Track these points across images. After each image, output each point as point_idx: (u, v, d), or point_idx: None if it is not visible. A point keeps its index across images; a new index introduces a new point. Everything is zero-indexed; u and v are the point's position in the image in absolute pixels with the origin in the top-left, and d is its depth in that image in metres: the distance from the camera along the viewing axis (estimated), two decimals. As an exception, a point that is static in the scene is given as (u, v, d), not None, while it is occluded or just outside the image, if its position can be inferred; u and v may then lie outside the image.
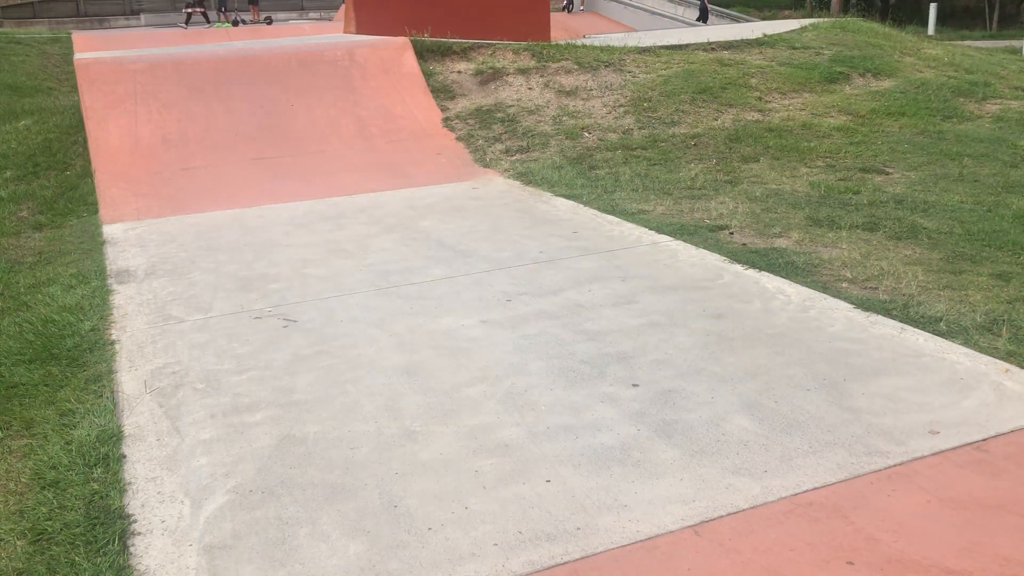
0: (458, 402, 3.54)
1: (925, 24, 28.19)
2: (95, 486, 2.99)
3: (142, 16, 28.98)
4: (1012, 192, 6.67)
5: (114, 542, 2.69)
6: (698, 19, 25.49)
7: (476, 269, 5.22)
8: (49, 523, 2.80)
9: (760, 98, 9.77)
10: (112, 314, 4.66)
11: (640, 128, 8.91)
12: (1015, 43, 23.06)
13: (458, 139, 8.86)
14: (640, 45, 11.31)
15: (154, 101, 8.85)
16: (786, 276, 4.89)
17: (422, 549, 2.62)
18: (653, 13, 27.16)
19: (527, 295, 4.74)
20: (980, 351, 3.85)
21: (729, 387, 3.59)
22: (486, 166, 8.18)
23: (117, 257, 5.74)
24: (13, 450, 3.30)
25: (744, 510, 2.76)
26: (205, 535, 2.73)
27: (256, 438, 3.31)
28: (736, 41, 11.66)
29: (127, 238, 6.23)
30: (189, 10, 23.19)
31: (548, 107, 9.44)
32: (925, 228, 5.74)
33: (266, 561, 2.60)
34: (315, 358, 4.02)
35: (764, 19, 25.78)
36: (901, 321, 4.20)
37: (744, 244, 5.52)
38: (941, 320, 4.19)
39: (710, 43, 11.56)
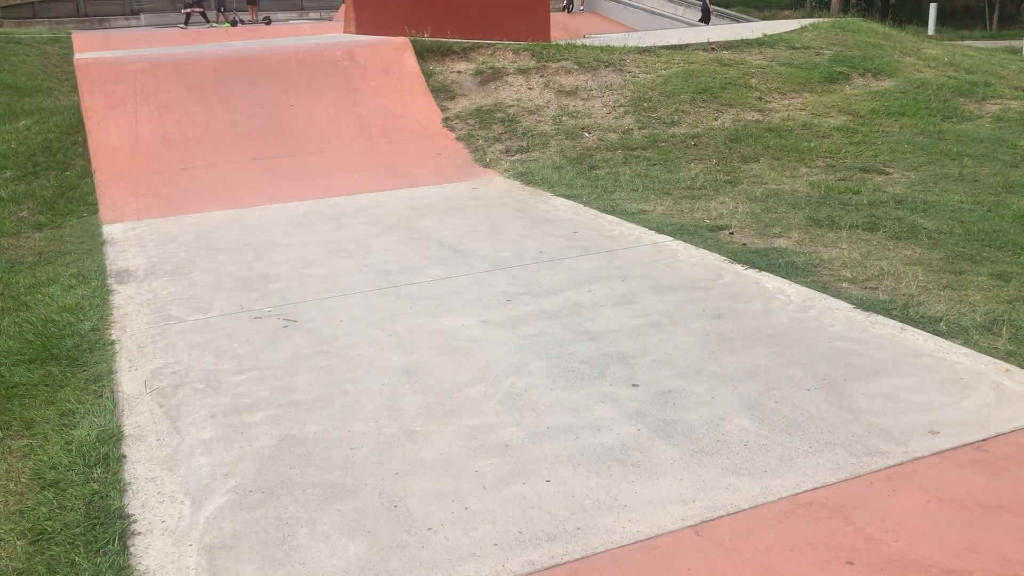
0: (458, 402, 3.54)
1: (925, 24, 28.19)
2: (95, 486, 2.99)
3: (142, 16, 28.98)
4: (1012, 192, 6.67)
5: (114, 542, 2.69)
6: (700, 20, 25.48)
7: (476, 269, 5.22)
8: (49, 523, 2.80)
9: (760, 98, 9.77)
10: (112, 314, 4.66)
11: (640, 128, 8.92)
12: (1015, 43, 23.06)
13: (458, 139, 8.86)
14: (640, 45, 11.31)
15: (154, 101, 8.85)
16: (786, 276, 4.89)
17: (422, 549, 2.62)
18: (653, 13, 27.16)
19: (527, 295, 4.74)
20: (980, 351, 3.85)
21: (729, 387, 3.59)
22: (486, 166, 8.18)
23: (117, 257, 5.74)
24: (13, 450, 3.30)
25: (744, 510, 2.76)
26: (205, 535, 2.73)
27: (256, 438, 3.31)
28: (736, 41, 11.66)
29: (127, 238, 6.23)
30: (188, 10, 23.20)
31: (548, 107, 9.45)
32: (925, 228, 5.74)
33: (266, 561, 2.60)
34: (315, 358, 4.02)
35: (764, 19, 25.79)
36: (901, 321, 4.20)
37: (744, 244, 5.52)
38: (941, 320, 4.19)
39: (710, 43, 11.57)
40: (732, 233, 5.78)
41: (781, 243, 5.53)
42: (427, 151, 8.59)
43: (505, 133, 8.87)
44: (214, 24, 23.57)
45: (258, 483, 3.00)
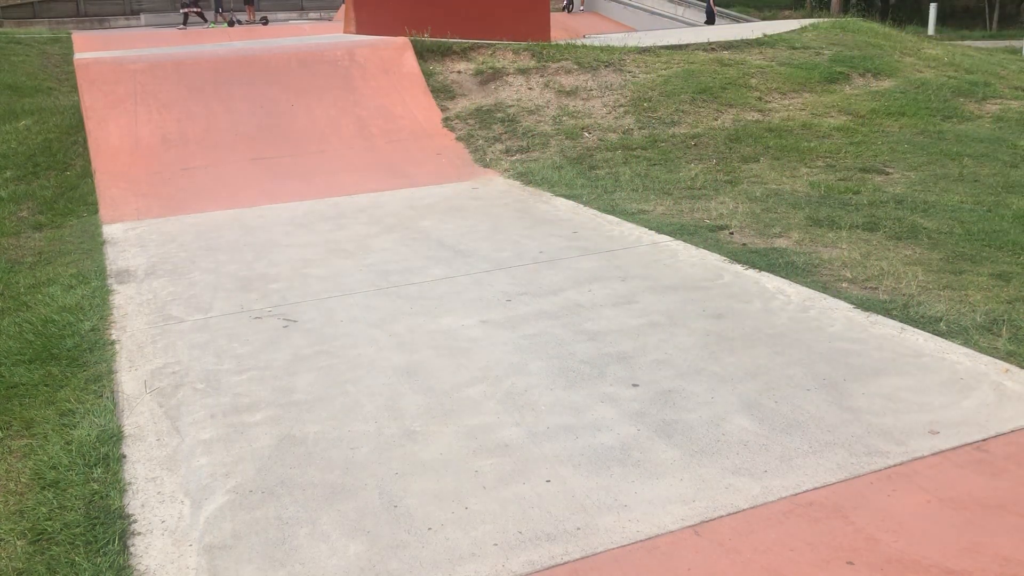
0: (458, 402, 3.54)
1: (925, 24, 28.19)
2: (95, 486, 2.99)
3: (142, 16, 28.98)
4: (1012, 192, 6.67)
5: (114, 542, 2.69)
6: (706, 22, 25.47)
7: (476, 269, 5.22)
8: (49, 523, 2.80)
9: (760, 98, 9.77)
10: (112, 314, 4.66)
11: (640, 128, 8.92)
12: (1015, 43, 23.06)
13: (458, 139, 8.86)
14: (640, 45, 11.31)
15: (154, 101, 8.85)
16: (786, 276, 4.89)
17: (422, 549, 2.62)
18: (653, 13, 27.16)
19: (527, 295, 4.74)
20: (980, 351, 3.85)
21: (729, 387, 3.59)
22: (486, 166, 8.18)
23: (117, 257, 5.74)
24: (13, 450, 3.30)
25: (744, 510, 2.76)
26: (205, 535, 2.73)
27: (256, 438, 3.31)
28: (736, 41, 11.66)
29: (127, 238, 6.23)
30: (186, 10, 23.23)
31: (548, 107, 9.45)
32: (925, 228, 5.74)
33: (266, 561, 2.60)
34: (315, 358, 4.02)
35: (764, 19, 25.79)
36: (901, 321, 4.20)
37: (744, 244, 5.52)
38: (941, 320, 4.19)
39: (710, 43, 11.57)
40: (732, 233, 5.78)
41: (781, 243, 5.53)
42: (427, 151, 8.59)
43: (505, 133, 8.87)
44: (212, 24, 23.57)
45: (258, 483, 3.00)
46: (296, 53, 10.00)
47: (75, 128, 8.98)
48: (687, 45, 11.48)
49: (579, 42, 12.09)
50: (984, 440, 3.12)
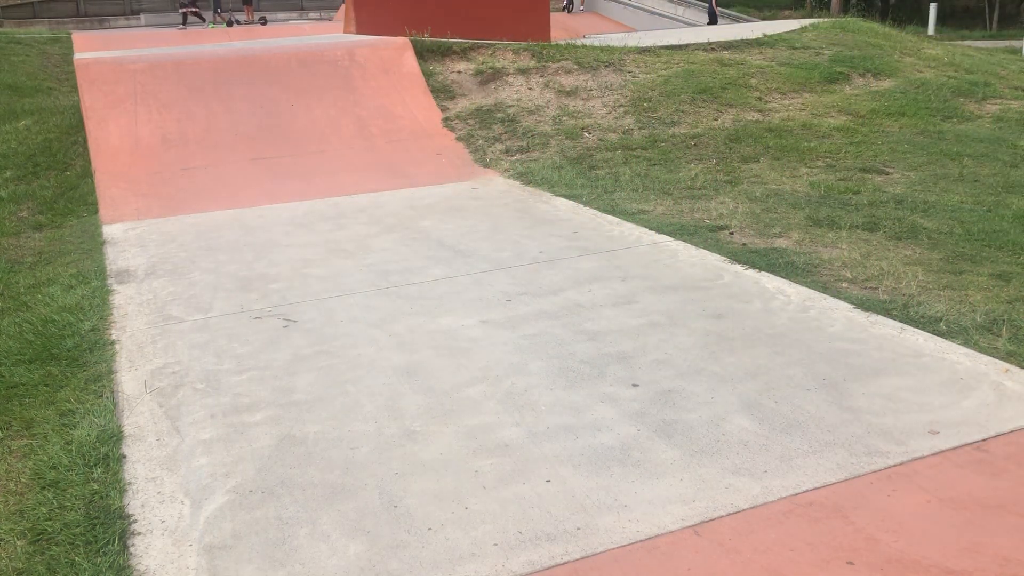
0: (458, 402, 3.54)
1: (925, 24, 28.19)
2: (95, 486, 2.99)
3: (142, 16, 28.97)
4: (1012, 192, 6.67)
5: (114, 542, 2.69)
6: (709, 24, 25.45)
7: (476, 269, 5.22)
8: (49, 523, 2.80)
9: (760, 98, 9.77)
10: (112, 314, 4.66)
11: (640, 128, 8.92)
12: (1015, 43, 23.06)
13: (458, 139, 8.86)
14: (640, 45, 11.31)
15: (154, 101, 8.85)
16: (786, 276, 4.89)
17: (422, 549, 2.62)
18: (653, 13, 27.15)
19: (527, 295, 4.74)
20: (980, 351, 3.85)
21: (729, 387, 3.59)
22: (486, 166, 8.18)
23: (117, 257, 5.74)
24: (13, 450, 3.30)
25: (744, 510, 2.76)
26: (205, 535, 2.73)
27: (256, 438, 3.31)
28: (736, 41, 11.66)
29: (127, 238, 6.23)
30: (184, 10, 23.25)
31: (548, 107, 9.45)
32: (925, 228, 5.74)
33: (266, 561, 2.60)
34: (315, 358, 4.02)
35: (764, 19, 25.79)
36: (901, 321, 4.20)
37: (744, 244, 5.52)
38: (941, 320, 4.19)
39: (710, 43, 11.57)
40: (732, 233, 5.78)
41: (781, 243, 5.53)
42: (427, 151, 8.59)
43: (505, 133, 8.87)
44: (212, 25, 23.58)
45: (258, 483, 3.00)
46: (296, 53, 10.00)
47: (75, 128, 8.98)
48: (687, 45, 11.48)
49: (579, 42, 12.09)
50: (984, 440, 3.12)
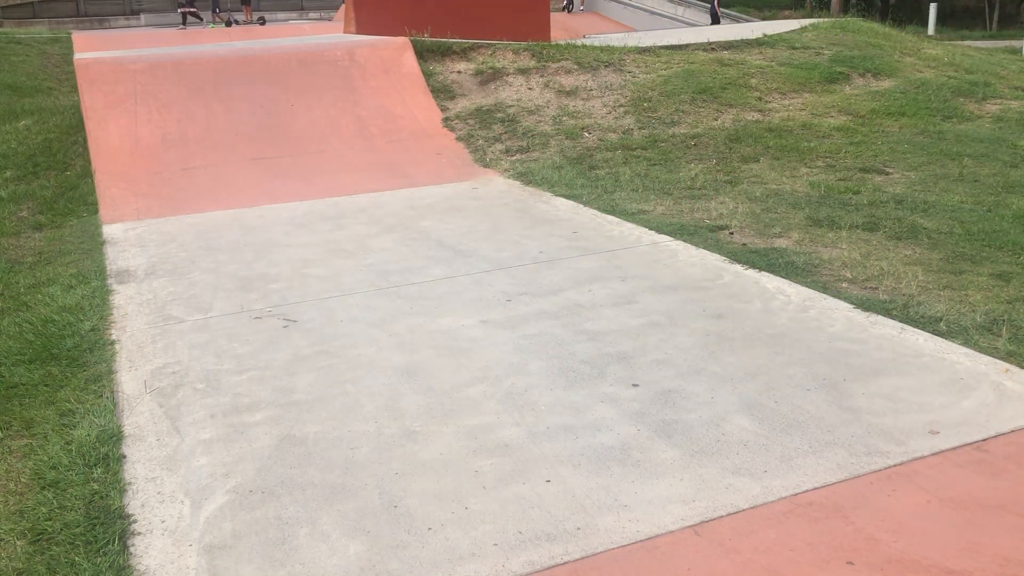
0: (458, 402, 3.54)
1: (925, 24, 28.19)
2: (95, 486, 2.99)
3: (142, 16, 28.97)
4: (1012, 192, 6.67)
5: (114, 542, 2.69)
6: (712, 24, 25.44)
7: (476, 269, 5.22)
8: (49, 523, 2.80)
9: (760, 98, 9.77)
10: (112, 314, 4.66)
11: (640, 128, 8.92)
12: (1015, 43, 23.06)
13: (458, 139, 8.86)
14: (640, 45, 11.31)
15: (154, 101, 8.85)
16: (786, 276, 4.89)
17: (422, 549, 2.62)
18: (653, 13, 27.16)
19: (527, 295, 4.74)
20: (980, 351, 3.85)
21: (729, 387, 3.59)
22: (486, 166, 8.18)
23: (117, 257, 5.74)
24: (13, 450, 3.30)
25: (744, 510, 2.76)
26: (205, 535, 2.73)
27: (256, 438, 3.31)
28: (736, 41, 11.66)
29: (127, 238, 6.23)
30: (182, 10, 23.27)
31: (548, 107, 9.45)
32: (925, 228, 5.74)
33: (266, 561, 2.60)
34: (315, 358, 4.02)
35: (764, 19, 25.79)
36: (901, 321, 4.20)
37: (744, 244, 5.52)
38: (941, 320, 4.19)
39: (710, 43, 11.57)
40: (732, 233, 5.78)
41: (781, 243, 5.53)
42: (427, 151, 8.59)
43: (505, 133, 8.87)
44: (212, 25, 23.58)
45: (258, 483, 3.00)
46: (296, 53, 10.00)
47: (75, 128, 8.98)
48: (687, 45, 11.48)
49: (579, 42, 12.09)
50: (984, 440, 3.12)
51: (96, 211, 6.99)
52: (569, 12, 28.46)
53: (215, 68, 9.51)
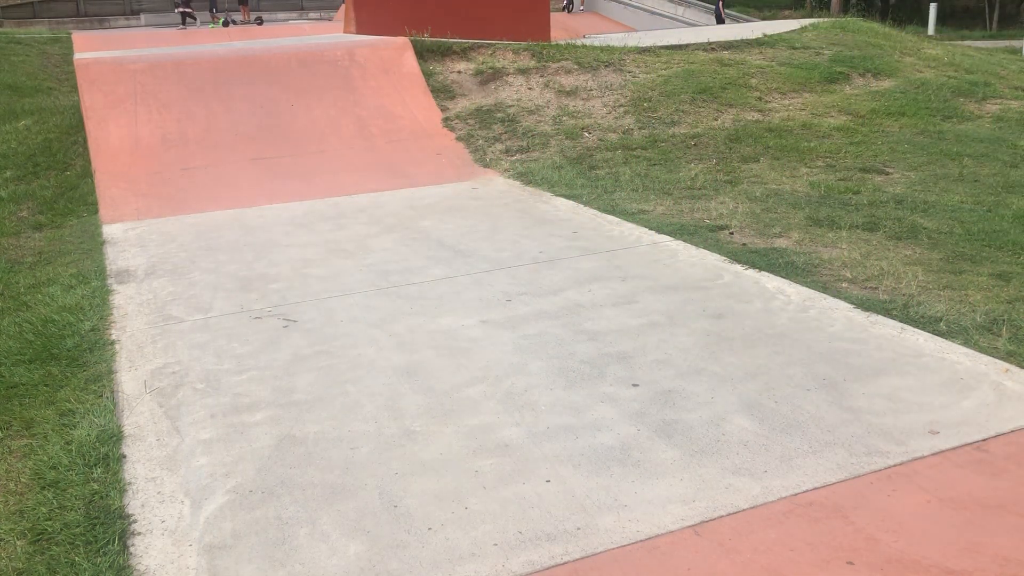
0: (458, 402, 3.54)
1: (925, 24, 28.19)
2: (95, 486, 2.99)
3: (142, 16, 28.97)
4: (1012, 192, 6.67)
5: (114, 542, 2.69)
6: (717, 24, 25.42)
7: (476, 269, 5.22)
8: (49, 523, 2.80)
9: (760, 98, 9.77)
10: (112, 314, 4.66)
11: (640, 128, 8.92)
12: (1015, 43, 23.06)
13: (458, 139, 8.86)
14: (640, 45, 11.31)
15: (154, 101, 8.85)
16: (786, 276, 4.89)
17: (422, 549, 2.62)
18: (653, 13, 27.15)
19: (527, 295, 4.74)
20: (980, 351, 3.85)
21: (729, 387, 3.59)
22: (486, 166, 8.18)
23: (117, 257, 5.74)
24: (13, 450, 3.30)
25: (744, 510, 2.76)
26: (205, 535, 2.73)
27: (256, 438, 3.31)
28: (736, 41, 11.66)
29: (127, 238, 6.23)
30: (180, 10, 23.28)
31: (548, 107, 9.45)
32: (925, 228, 5.74)
33: (266, 561, 2.60)
34: (315, 358, 4.02)
35: (764, 19, 25.79)
36: (901, 321, 4.20)
37: (744, 244, 5.52)
38: (941, 320, 4.19)
39: (710, 43, 11.57)
40: (732, 233, 5.78)
41: (781, 243, 5.53)
42: (427, 151, 8.59)
43: (505, 133, 8.87)
44: (212, 25, 23.59)
45: (258, 483, 3.00)
46: (296, 53, 10.00)
47: (75, 128, 8.98)
48: (687, 45, 11.48)
49: (579, 42, 12.09)
50: (984, 440, 3.12)
51: (96, 211, 6.99)
52: (569, 12, 28.46)
53: (215, 68, 9.51)
